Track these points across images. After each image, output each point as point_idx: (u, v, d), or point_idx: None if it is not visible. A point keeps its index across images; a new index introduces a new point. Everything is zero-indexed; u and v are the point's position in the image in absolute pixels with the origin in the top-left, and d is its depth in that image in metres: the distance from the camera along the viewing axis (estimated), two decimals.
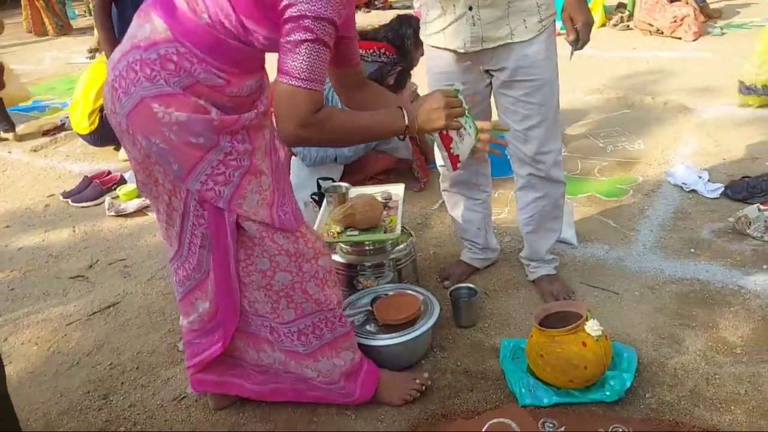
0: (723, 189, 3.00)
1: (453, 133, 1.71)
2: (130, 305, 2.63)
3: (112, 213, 3.47)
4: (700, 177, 3.10)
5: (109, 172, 3.93)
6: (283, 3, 1.44)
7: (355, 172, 3.28)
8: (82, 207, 3.64)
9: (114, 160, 4.28)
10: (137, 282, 2.80)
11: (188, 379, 1.96)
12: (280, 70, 1.48)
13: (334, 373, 1.86)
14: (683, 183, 3.11)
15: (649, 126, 3.96)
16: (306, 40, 1.43)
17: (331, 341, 1.84)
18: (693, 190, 3.05)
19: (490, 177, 2.53)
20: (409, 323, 2.09)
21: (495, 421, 1.58)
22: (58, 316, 2.61)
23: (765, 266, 2.42)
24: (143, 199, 3.57)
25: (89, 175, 3.85)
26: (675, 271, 2.47)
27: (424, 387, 1.97)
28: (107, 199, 3.60)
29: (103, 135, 4.24)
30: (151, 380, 2.17)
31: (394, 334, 2.05)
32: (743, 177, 3.01)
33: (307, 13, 1.41)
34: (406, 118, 1.63)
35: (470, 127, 1.73)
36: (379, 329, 2.11)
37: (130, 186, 3.69)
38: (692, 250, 2.60)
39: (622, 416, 1.80)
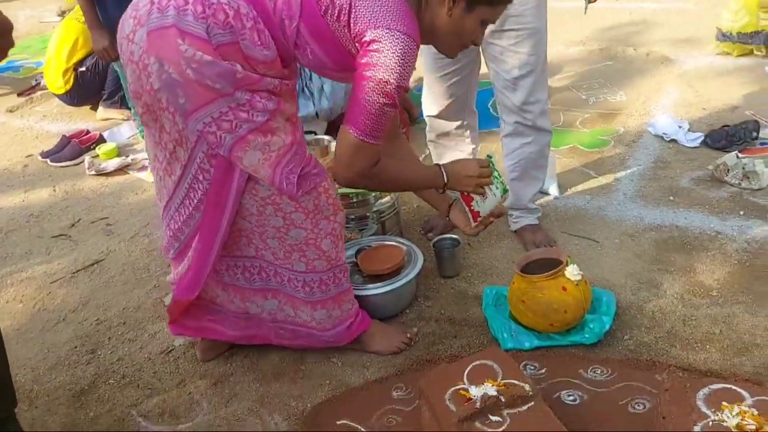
0: (703, 138, 3.03)
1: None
2: (114, 262, 2.62)
3: (93, 172, 3.43)
4: (680, 127, 3.13)
5: (88, 131, 3.87)
6: (365, 60, 1.52)
7: (338, 128, 3.26)
8: (62, 167, 3.59)
9: (92, 120, 4.21)
10: (120, 240, 2.79)
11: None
12: (353, 122, 1.57)
13: (328, 322, 1.89)
14: (664, 133, 3.13)
15: (631, 77, 3.96)
16: (385, 105, 1.54)
17: (335, 295, 1.87)
18: (673, 140, 3.08)
19: (477, 129, 2.53)
20: (394, 273, 2.12)
21: (477, 363, 1.61)
22: (42, 274, 2.61)
23: (742, 212, 2.47)
24: (123, 158, 3.53)
25: (67, 135, 3.78)
26: (654, 219, 2.51)
27: (413, 342, 2.01)
28: (87, 158, 3.55)
29: (79, 94, 4.16)
30: (138, 334, 2.18)
31: (379, 284, 2.07)
32: (723, 126, 3.03)
33: (391, 81, 1.51)
34: (445, 177, 1.78)
35: (497, 188, 1.84)
36: (364, 280, 2.13)
37: (110, 145, 3.64)
38: (671, 198, 2.64)
39: (600, 357, 1.85)
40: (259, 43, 1.54)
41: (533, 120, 2.25)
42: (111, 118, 4.15)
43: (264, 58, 1.56)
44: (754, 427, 1.30)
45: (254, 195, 1.67)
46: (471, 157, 2.48)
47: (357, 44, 1.55)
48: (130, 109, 3.01)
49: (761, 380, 1.68)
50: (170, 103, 1.54)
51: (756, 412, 1.34)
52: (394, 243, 2.28)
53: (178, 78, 1.50)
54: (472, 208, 1.88)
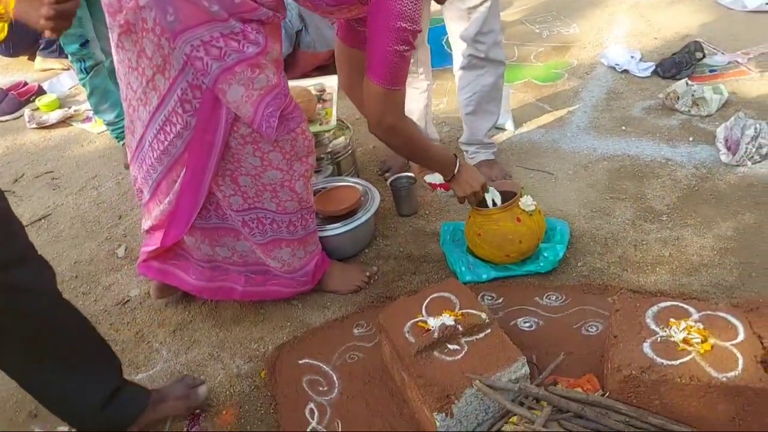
0: (654, 68, 3.04)
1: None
2: (63, 216, 2.54)
3: (34, 125, 3.29)
4: (632, 57, 3.13)
5: (26, 83, 3.68)
6: (378, 9, 1.50)
7: (286, 71, 3.18)
8: (1, 121, 3.43)
9: (30, 71, 4.01)
10: (68, 193, 2.69)
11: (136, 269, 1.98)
12: (376, 74, 1.57)
13: (295, 262, 1.88)
14: (616, 64, 3.13)
15: (583, 9, 3.93)
16: (407, 50, 1.55)
17: (303, 237, 1.86)
18: (625, 71, 3.09)
19: (430, 65, 2.49)
20: (350, 213, 2.10)
21: (435, 295, 1.63)
22: None
23: (691, 138, 2.51)
24: (65, 109, 3.39)
25: (4, 88, 3.60)
26: (607, 149, 2.54)
27: (372, 280, 2.01)
28: (26, 111, 3.40)
29: (15, 43, 3.95)
30: (92, 288, 2.14)
31: (336, 225, 2.06)
32: (673, 54, 3.05)
33: (408, 27, 1.51)
34: (456, 168, 1.83)
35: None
36: (322, 221, 2.11)
37: (50, 96, 3.48)
38: (623, 127, 2.66)
39: (555, 284, 1.89)
40: None
41: (486, 51, 2.22)
42: (50, 69, 3.96)
43: None
44: (699, 340, 1.35)
45: (234, 132, 1.62)
46: (426, 94, 2.45)
47: None
48: (68, 57, 2.86)
49: (708, 297, 1.74)
50: (157, 22, 1.45)
51: (702, 327, 1.38)
52: (349, 183, 2.25)
53: None
54: (436, 188, 1.99)
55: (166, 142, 1.63)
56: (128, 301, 2.05)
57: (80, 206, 2.60)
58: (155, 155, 1.66)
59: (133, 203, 2.59)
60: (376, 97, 1.61)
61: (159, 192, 1.74)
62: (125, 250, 2.29)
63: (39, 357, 1.39)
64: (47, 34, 1.04)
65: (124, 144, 2.88)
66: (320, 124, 2.29)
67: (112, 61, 2.73)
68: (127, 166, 2.81)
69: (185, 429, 1.59)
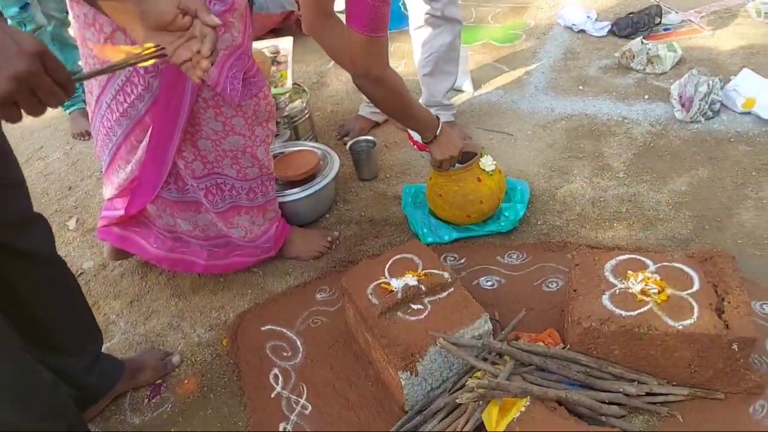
0: (610, 27, 3.06)
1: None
2: None
3: None
4: (588, 17, 3.14)
5: None
6: None
7: None
8: None
9: None
10: None
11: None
12: (356, 23, 1.52)
13: (255, 229, 1.85)
14: (573, 24, 3.14)
15: None
16: None
17: (262, 204, 1.82)
18: (582, 30, 3.10)
19: (388, 29, 2.45)
20: (309, 178, 2.07)
21: (398, 257, 1.62)
22: None
23: (647, 96, 2.54)
24: None
25: None
26: (565, 109, 2.55)
27: (334, 245, 1.99)
28: None
29: None
30: None
31: (295, 190, 2.02)
32: (629, 14, 3.06)
33: None
34: (438, 130, 1.80)
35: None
36: (281, 186, 2.07)
37: None
38: (581, 87, 2.68)
39: (516, 243, 1.90)
40: None
41: (442, 9, 2.19)
42: None
43: None
44: (656, 291, 1.37)
45: (197, 96, 1.55)
46: None
47: None
48: (8, 22, 2.72)
49: (664, 251, 1.78)
50: None
51: (658, 278, 1.41)
52: (308, 148, 2.21)
53: None
54: (411, 140, 1.98)
55: (125, 104, 1.55)
56: (82, 273, 1.99)
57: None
58: (114, 117, 1.59)
59: (83, 174, 2.50)
60: (360, 46, 1.57)
61: (118, 157, 1.67)
62: (76, 221, 2.22)
63: (26, 323, 1.32)
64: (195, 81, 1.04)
65: (71, 113, 2.78)
66: (275, 87, 2.23)
67: (55, 25, 2.63)
68: (75, 136, 2.72)
69: (146, 400, 1.56)
